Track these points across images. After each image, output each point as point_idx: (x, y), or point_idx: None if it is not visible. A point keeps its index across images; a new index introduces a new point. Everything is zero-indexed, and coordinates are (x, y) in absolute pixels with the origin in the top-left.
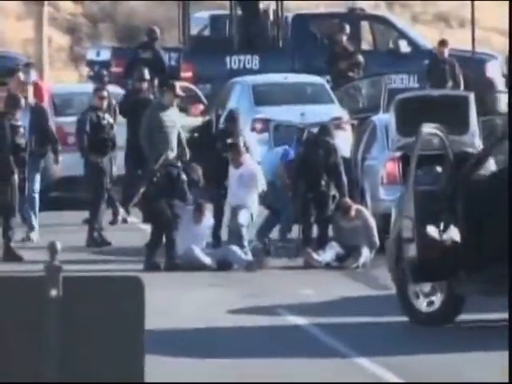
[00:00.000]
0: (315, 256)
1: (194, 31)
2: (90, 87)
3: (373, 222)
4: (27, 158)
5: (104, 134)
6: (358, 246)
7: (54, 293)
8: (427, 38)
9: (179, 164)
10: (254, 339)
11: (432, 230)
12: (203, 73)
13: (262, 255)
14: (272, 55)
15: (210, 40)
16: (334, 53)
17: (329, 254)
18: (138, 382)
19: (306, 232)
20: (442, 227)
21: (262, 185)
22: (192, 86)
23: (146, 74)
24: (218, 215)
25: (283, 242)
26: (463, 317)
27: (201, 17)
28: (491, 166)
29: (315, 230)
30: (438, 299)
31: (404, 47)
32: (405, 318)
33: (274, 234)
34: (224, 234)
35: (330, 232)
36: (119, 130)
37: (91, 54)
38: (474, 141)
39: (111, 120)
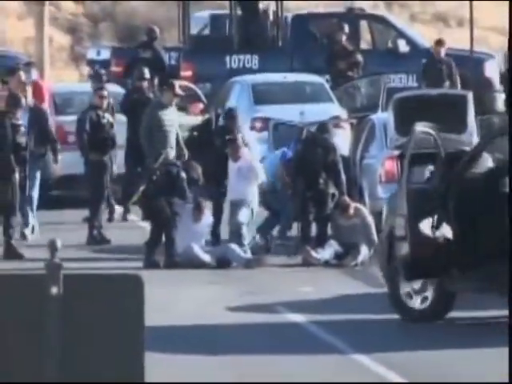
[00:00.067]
0: (314, 254)
1: (193, 31)
2: (90, 86)
3: (371, 220)
4: (28, 156)
5: (104, 133)
6: (357, 244)
7: (54, 290)
8: (426, 37)
9: (178, 162)
10: (252, 336)
11: (425, 228)
12: (203, 72)
13: (262, 253)
14: (271, 55)
15: (210, 39)
16: (333, 52)
17: (327, 251)
18: (139, 382)
19: (305, 230)
20: (434, 225)
21: (261, 176)
22: (192, 85)
23: (147, 73)
24: (217, 213)
25: (282, 239)
26: (459, 314)
27: (201, 16)
28: (489, 163)
29: (314, 228)
30: (429, 296)
31: (403, 47)
32: None
33: (274, 232)
34: (223, 232)
35: (329, 230)
36: (119, 128)
37: (91, 54)
38: (472, 140)
39: (111, 119)
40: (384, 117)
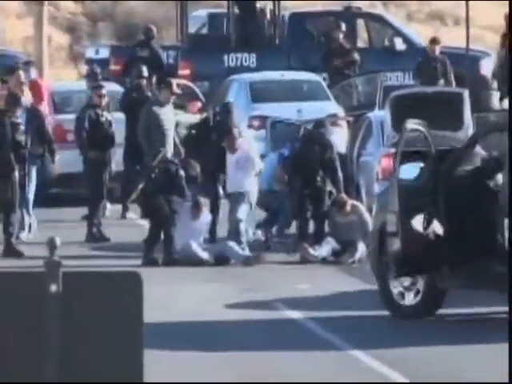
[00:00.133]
0: (311, 251)
1: (192, 30)
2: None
3: (368, 218)
4: (27, 155)
5: (103, 131)
6: (354, 241)
7: (53, 288)
8: (422, 35)
9: (177, 160)
10: (251, 333)
11: (417, 224)
12: (201, 70)
13: (261, 250)
14: (269, 53)
15: (208, 38)
16: (330, 50)
17: (325, 249)
18: (138, 380)
19: (303, 227)
20: (425, 221)
21: (258, 165)
22: (190, 84)
23: (145, 72)
24: (214, 211)
25: (280, 237)
26: (453, 311)
27: (199, 15)
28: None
29: (312, 226)
30: (418, 293)
31: (399, 45)
32: None
33: (272, 230)
34: (221, 230)
35: (326, 227)
36: (117, 126)
37: (90, 53)
38: None
39: (110, 117)
40: (381, 114)
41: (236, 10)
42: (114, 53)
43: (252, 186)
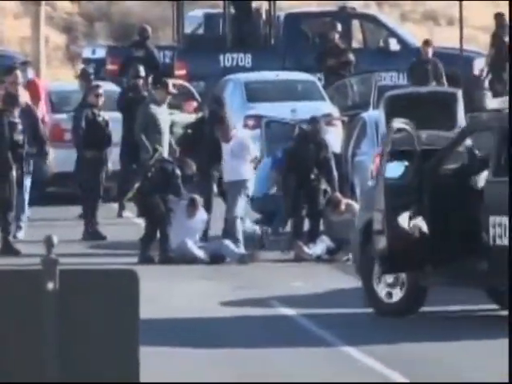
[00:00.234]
0: (306, 249)
1: (188, 30)
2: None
3: None
4: (24, 154)
5: (100, 131)
6: (348, 240)
7: (50, 285)
8: (416, 36)
9: (172, 159)
10: (246, 330)
11: (403, 222)
12: (197, 70)
13: (255, 248)
14: (264, 53)
15: (204, 38)
16: (325, 50)
17: (319, 247)
18: (134, 377)
19: (297, 226)
20: (411, 219)
21: (253, 152)
22: (186, 84)
23: (142, 72)
24: (208, 209)
25: (275, 235)
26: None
27: (195, 16)
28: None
29: (306, 224)
30: (401, 290)
31: (393, 45)
32: None
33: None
34: (214, 227)
35: (321, 226)
36: (114, 126)
37: (87, 53)
38: None
39: (106, 117)
40: (375, 114)
41: (232, 10)
42: (110, 53)
43: (248, 173)
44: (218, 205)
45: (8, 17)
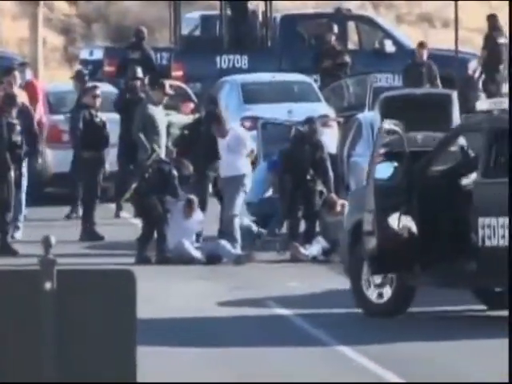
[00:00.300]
0: (302, 250)
1: (184, 31)
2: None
3: None
4: (22, 155)
5: (97, 132)
6: None
7: (48, 286)
8: (411, 38)
9: (169, 160)
10: (242, 330)
11: (393, 223)
12: (194, 72)
13: (251, 249)
14: (261, 55)
15: (201, 40)
16: (322, 52)
17: (315, 248)
18: (131, 378)
19: (293, 227)
20: (400, 220)
21: (249, 145)
22: (183, 85)
23: (139, 73)
24: (202, 210)
25: (271, 236)
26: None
27: (192, 17)
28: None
29: (302, 225)
30: (389, 291)
31: (389, 47)
32: None
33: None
34: (210, 227)
35: (317, 227)
36: (111, 127)
37: (84, 54)
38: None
39: (104, 118)
40: (371, 116)
41: (228, 12)
42: (107, 54)
43: (245, 168)
44: (214, 205)
45: (6, 18)
